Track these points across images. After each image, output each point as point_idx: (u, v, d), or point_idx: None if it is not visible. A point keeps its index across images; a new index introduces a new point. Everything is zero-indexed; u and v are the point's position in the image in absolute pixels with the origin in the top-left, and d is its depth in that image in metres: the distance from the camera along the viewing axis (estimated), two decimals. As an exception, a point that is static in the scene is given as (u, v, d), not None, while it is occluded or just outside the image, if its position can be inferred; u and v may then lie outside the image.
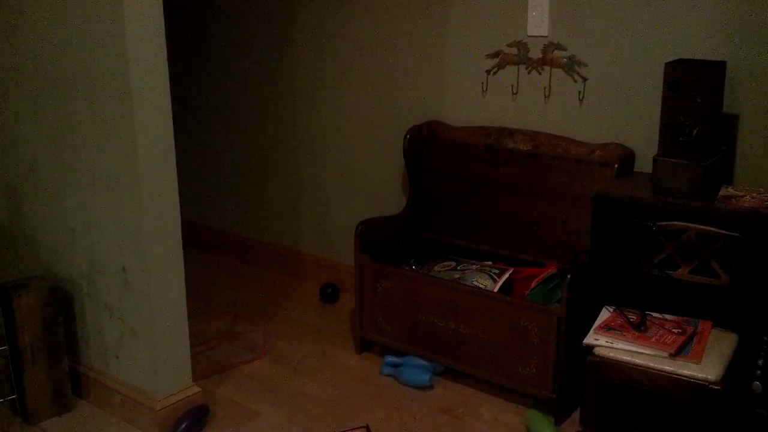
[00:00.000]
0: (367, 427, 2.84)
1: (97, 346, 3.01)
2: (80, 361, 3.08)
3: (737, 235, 2.40)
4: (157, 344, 2.80)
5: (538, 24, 3.19)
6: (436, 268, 3.34)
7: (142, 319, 2.80)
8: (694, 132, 2.57)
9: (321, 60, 3.92)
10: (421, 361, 3.17)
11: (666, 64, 2.61)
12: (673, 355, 2.30)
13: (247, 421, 2.96)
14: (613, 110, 3.06)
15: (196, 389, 2.95)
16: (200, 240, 4.57)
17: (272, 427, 2.92)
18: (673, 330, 2.42)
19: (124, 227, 2.75)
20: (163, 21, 2.63)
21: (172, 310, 2.82)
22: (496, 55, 3.33)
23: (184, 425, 2.81)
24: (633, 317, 2.48)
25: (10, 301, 2.82)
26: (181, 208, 2.81)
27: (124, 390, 2.93)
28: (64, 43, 2.75)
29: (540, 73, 3.23)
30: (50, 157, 2.95)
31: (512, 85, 3.30)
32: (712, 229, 2.44)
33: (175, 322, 2.85)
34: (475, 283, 3.10)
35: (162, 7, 2.62)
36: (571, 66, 3.13)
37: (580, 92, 3.13)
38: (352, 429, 2.83)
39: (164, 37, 2.63)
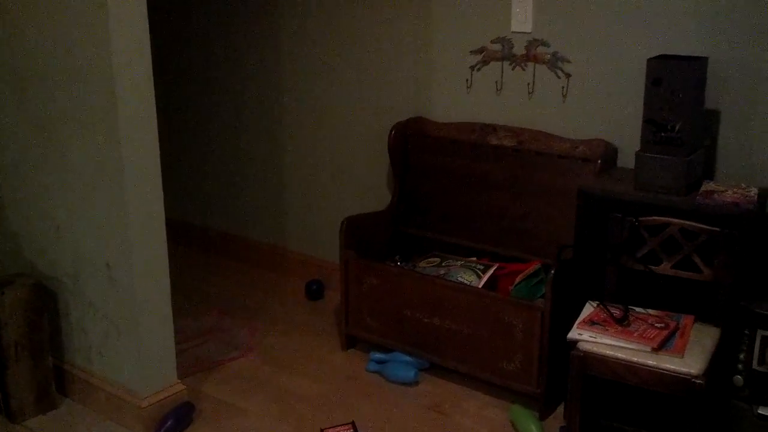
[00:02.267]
0: (353, 423, 2.84)
1: (81, 344, 3.00)
2: (65, 359, 3.07)
3: (719, 229, 2.42)
4: (142, 342, 2.79)
5: (521, 20, 3.19)
6: (421, 264, 3.34)
7: (127, 317, 2.79)
8: (677, 127, 2.59)
9: (305, 57, 3.91)
10: (406, 357, 3.18)
11: (648, 60, 2.62)
12: (656, 350, 2.32)
13: (233, 418, 2.96)
14: (597, 106, 3.08)
15: (182, 387, 2.95)
16: (186, 237, 4.56)
17: (258, 424, 2.92)
18: (656, 324, 2.43)
19: (108, 224, 2.74)
20: (146, 17, 2.61)
21: (156, 307, 2.82)
22: (480, 51, 3.34)
23: (169, 423, 2.81)
24: (616, 312, 2.50)
25: (-6, 299, 2.81)
26: (166, 205, 2.80)
27: (109, 388, 2.92)
28: (49, 39, 2.73)
29: (524, 69, 3.24)
30: (34, 153, 2.93)
31: (496, 81, 3.31)
32: (694, 224, 2.46)
33: (160, 320, 2.84)
34: (459, 279, 3.11)
35: (146, 2, 2.61)
36: (554, 62, 3.15)
37: (563, 88, 3.14)
38: (338, 425, 2.84)
39: (148, 32, 2.63)
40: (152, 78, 2.66)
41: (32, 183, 2.98)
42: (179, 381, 2.96)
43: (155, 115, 2.69)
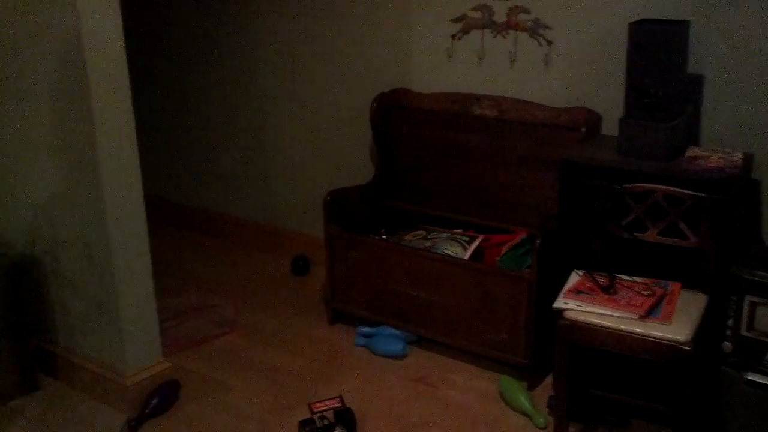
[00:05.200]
0: (340, 397, 2.82)
1: (63, 324, 2.96)
2: (47, 338, 3.03)
3: (704, 195, 2.40)
4: (124, 320, 2.76)
5: (502, -13, 3.15)
6: (407, 237, 3.31)
7: (108, 295, 2.75)
8: (659, 93, 2.56)
9: (285, 29, 3.85)
10: (393, 331, 3.16)
11: (629, 24, 2.59)
12: (643, 317, 2.31)
13: (219, 394, 2.93)
14: (579, 73, 3.05)
15: (167, 364, 2.92)
16: (168, 215, 4.50)
17: (244, 400, 2.90)
18: (643, 292, 2.42)
19: (85, 202, 2.69)
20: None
21: (138, 285, 2.78)
22: (460, 19, 3.29)
23: (155, 401, 2.79)
24: (602, 280, 2.48)
25: (-28, 280, 2.76)
26: (146, 182, 2.76)
27: (92, 367, 2.89)
28: (17, 11, 2.67)
29: (505, 38, 3.20)
30: (9, 131, 2.87)
31: (478, 50, 3.27)
32: (678, 190, 2.43)
33: (142, 297, 2.81)
34: (445, 251, 3.08)
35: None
36: (535, 29, 3.11)
37: (545, 56, 3.11)
38: (325, 399, 2.81)
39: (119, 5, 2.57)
40: (125, 51, 2.60)
41: (8, 161, 2.92)
42: (164, 359, 2.93)
43: (129, 90, 2.64)
